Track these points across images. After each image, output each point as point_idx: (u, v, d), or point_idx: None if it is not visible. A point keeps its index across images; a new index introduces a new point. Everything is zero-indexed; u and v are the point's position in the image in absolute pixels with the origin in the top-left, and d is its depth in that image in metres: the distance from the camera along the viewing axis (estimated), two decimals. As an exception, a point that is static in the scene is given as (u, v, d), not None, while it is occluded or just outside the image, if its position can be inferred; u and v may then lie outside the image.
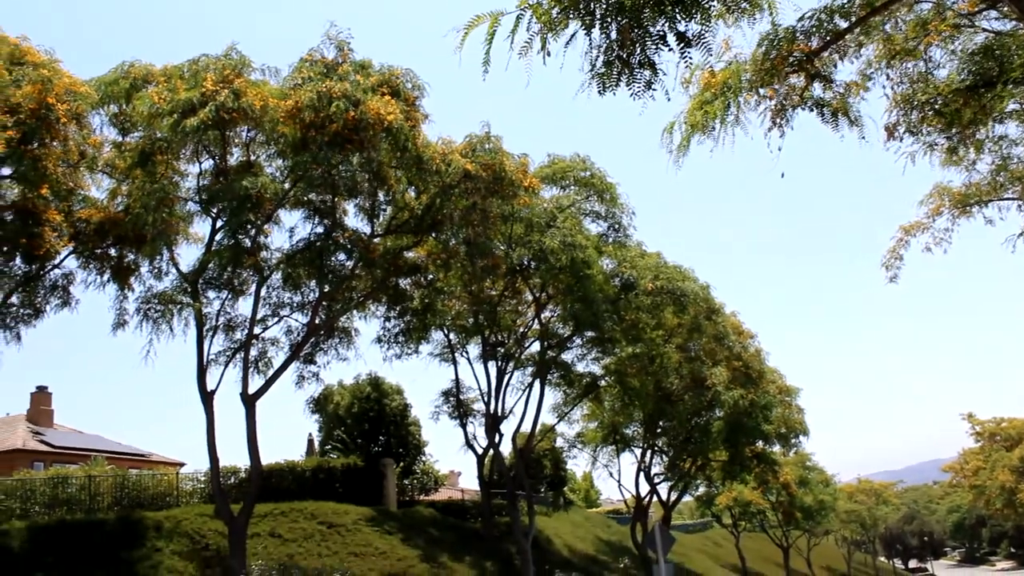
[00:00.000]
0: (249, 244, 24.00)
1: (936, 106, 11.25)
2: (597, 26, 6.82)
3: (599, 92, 7.18)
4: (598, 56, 7.06)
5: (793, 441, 49.57)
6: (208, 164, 24.57)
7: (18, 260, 24.35)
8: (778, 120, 10.75)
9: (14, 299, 25.09)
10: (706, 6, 6.70)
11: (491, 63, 6.66)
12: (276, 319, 26.69)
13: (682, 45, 6.83)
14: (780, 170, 11.10)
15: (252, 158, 24.48)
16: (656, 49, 6.91)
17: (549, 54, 6.83)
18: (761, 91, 10.23)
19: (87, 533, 25.53)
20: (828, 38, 9.90)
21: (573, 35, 6.94)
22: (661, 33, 6.84)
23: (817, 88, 10.75)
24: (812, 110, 10.68)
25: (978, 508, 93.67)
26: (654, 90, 7.14)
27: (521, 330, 35.41)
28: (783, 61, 9.70)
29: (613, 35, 6.87)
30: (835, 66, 10.62)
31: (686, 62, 7.01)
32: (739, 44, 10.22)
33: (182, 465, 47.43)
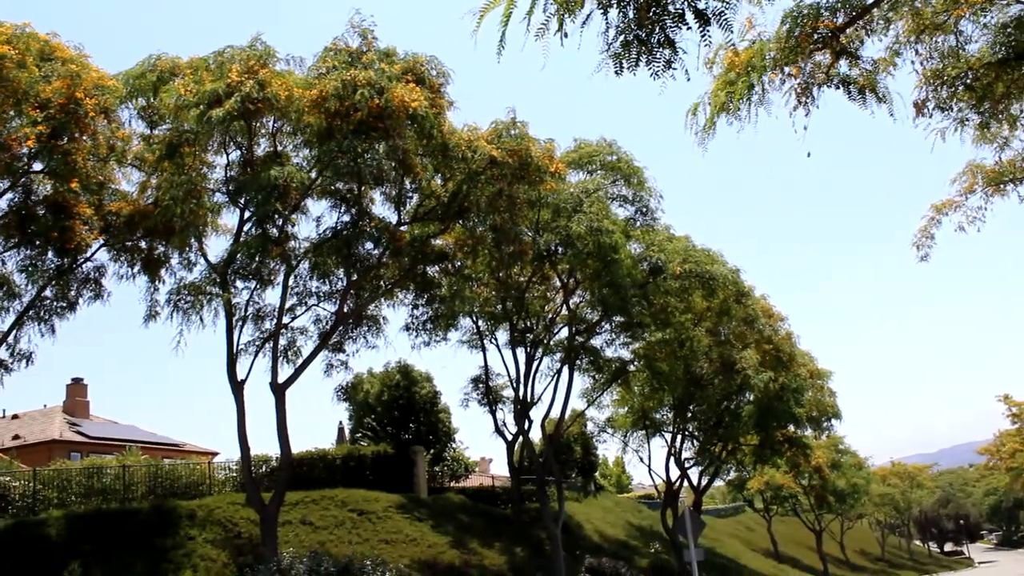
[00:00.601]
0: (276, 234, 24.11)
1: (967, 81, 11.01)
2: (615, 5, 6.72)
3: (616, 73, 7.09)
4: (616, 36, 6.97)
5: (825, 424, 49.26)
6: (235, 155, 24.72)
7: (50, 254, 24.69)
8: (803, 99, 10.58)
9: (48, 292, 25.43)
10: (726, -19, 6.59)
11: (506, 45, 6.60)
12: (304, 308, 26.82)
13: (701, 23, 6.71)
14: (807, 149, 10.95)
15: (279, 148, 24.57)
16: (675, 28, 6.79)
17: (566, 35, 6.74)
18: (786, 69, 10.06)
19: (122, 522, 25.89)
20: (854, 13, 9.71)
21: (589, 15, 6.83)
22: (680, 11, 6.72)
23: (843, 65, 10.56)
24: (839, 88, 10.48)
25: (1015, 491, 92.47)
26: (674, 69, 7.03)
27: (550, 316, 35.33)
28: (807, 38, 9.52)
29: (631, 14, 6.76)
30: (861, 42, 10.41)
31: (706, 41, 6.88)
32: (762, 22, 10.05)
33: (215, 454, 47.95)
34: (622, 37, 7.00)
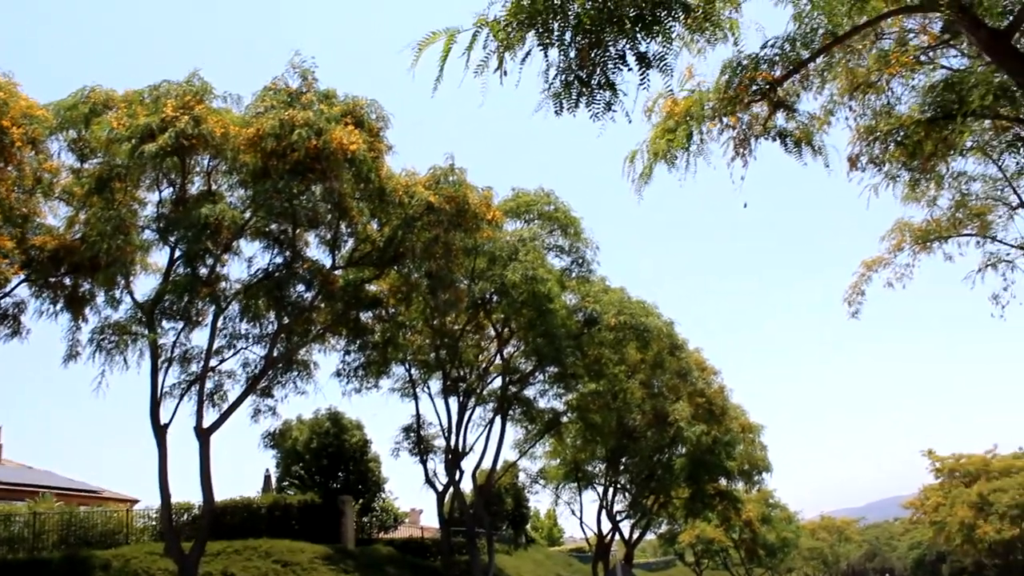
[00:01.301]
0: (207, 273, 23.56)
1: (898, 138, 11.29)
2: (555, 44, 6.69)
3: (556, 112, 7.04)
4: (556, 76, 6.93)
5: (756, 478, 49.65)
6: (168, 192, 24.16)
7: (-36, 288, 23.75)
8: (741, 150, 10.70)
9: (-40, 328, 24.45)
10: (667, 26, 6.59)
11: (443, 80, 6.52)
12: (233, 351, 26.14)
13: (642, 66, 6.70)
14: (744, 200, 11.04)
15: (213, 187, 24.10)
16: (616, 69, 6.78)
17: (506, 73, 6.68)
18: (724, 120, 10.16)
19: (31, 573, 24.66)
20: (791, 67, 9.87)
21: (529, 53, 6.79)
22: (621, 53, 6.71)
23: (780, 118, 10.73)
24: (775, 140, 10.64)
25: (938, 544, 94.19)
26: (614, 111, 7.01)
27: (483, 365, 35.07)
28: (745, 89, 9.64)
29: (571, 54, 6.73)
30: (798, 96, 10.61)
31: (645, 84, 6.88)
32: (702, 72, 10.20)
33: (135, 502, 46.19)
34: (562, 77, 6.96)
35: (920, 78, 12.72)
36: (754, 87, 9.80)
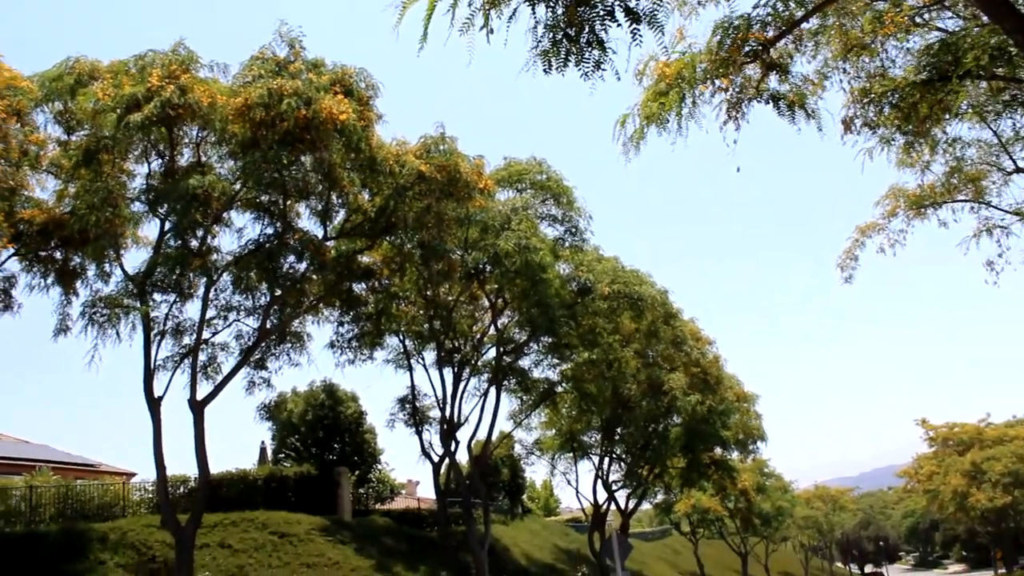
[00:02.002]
0: (197, 245, 23.39)
1: (893, 100, 11.11)
2: (543, 1, 6.51)
3: (544, 71, 6.87)
4: (544, 33, 6.75)
5: (751, 448, 49.78)
6: (157, 164, 23.93)
7: (-47, 263, 23.59)
8: (733, 113, 10.53)
9: (-50, 303, 24.30)
10: (657, -20, 6.42)
11: (429, 41, 6.34)
12: (226, 323, 26.03)
13: (632, 22, 6.52)
14: (736, 164, 10.90)
15: (203, 158, 23.85)
16: (605, 26, 6.60)
17: (492, 31, 6.49)
18: (716, 82, 9.98)
19: (28, 546, 24.67)
20: (784, 27, 9.68)
21: (516, 10, 6.61)
22: (610, 9, 6.53)
23: (773, 80, 10.55)
24: (768, 103, 10.47)
25: (931, 512, 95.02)
26: (603, 70, 6.84)
27: (478, 336, 35.01)
28: (738, 50, 9.45)
29: (560, 11, 6.55)
30: (791, 58, 10.42)
31: (637, 41, 6.68)
32: (693, 34, 10.00)
33: (133, 475, 46.28)
34: (551, 35, 6.78)
35: (915, 40, 12.55)
36: (746, 48, 9.61)
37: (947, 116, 12.02)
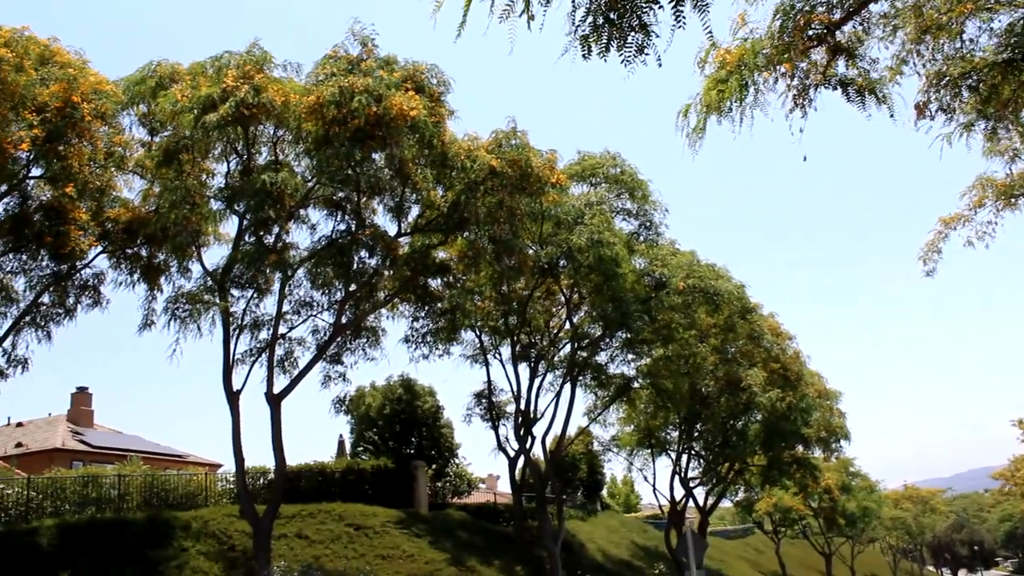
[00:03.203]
0: (272, 242, 23.86)
1: (970, 82, 10.56)
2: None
3: (584, 56, 6.70)
4: (584, 17, 6.58)
5: (834, 445, 48.44)
6: (236, 163, 24.51)
7: (46, 260, 24.51)
8: (800, 100, 10.17)
9: (45, 299, 25.27)
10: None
11: (467, 25, 6.25)
12: (302, 319, 26.52)
13: (676, 4, 6.30)
14: (803, 153, 10.55)
15: (280, 157, 24.32)
16: (648, 9, 6.41)
17: (532, 17, 6.36)
18: (780, 68, 9.65)
19: (116, 532, 25.52)
20: (851, 8, 9.30)
21: (556, -7, 6.45)
22: (653, -10, 6.33)
23: (841, 65, 10.15)
24: (836, 88, 10.07)
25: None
26: (647, 55, 6.64)
27: (554, 331, 34.91)
28: (801, 33, 9.12)
29: (600, -7, 6.39)
30: (860, 41, 9.99)
31: (681, 24, 6.44)
32: (755, 19, 9.66)
33: (219, 466, 47.56)
34: (591, 19, 6.61)
35: (1001, 20, 11.92)
36: (810, 31, 9.27)
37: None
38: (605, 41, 6.66)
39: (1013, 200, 19.92)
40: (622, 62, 6.67)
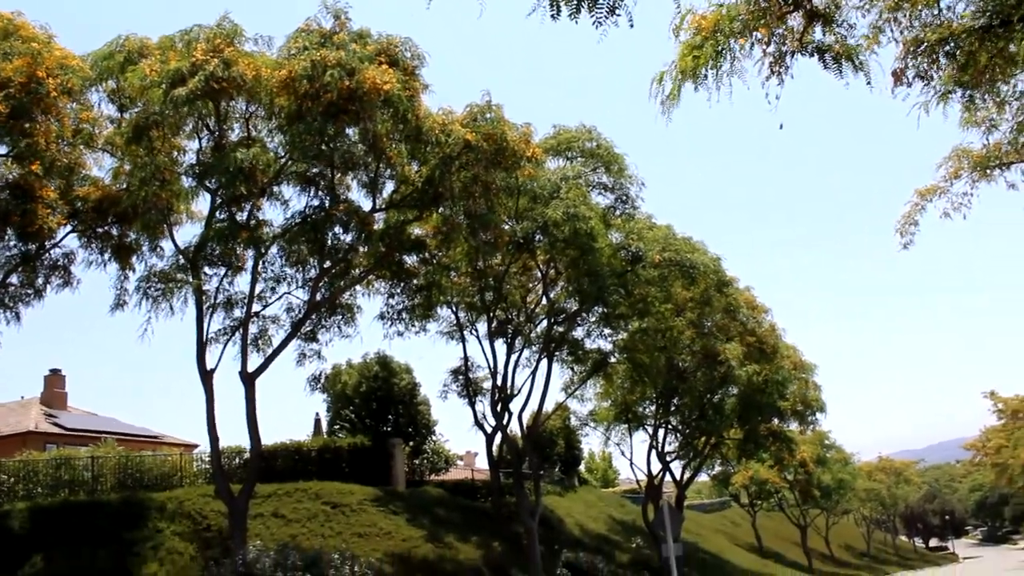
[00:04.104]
0: (245, 218, 23.56)
1: (947, 48, 10.48)
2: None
3: (552, 16, 6.54)
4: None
5: (810, 419, 48.84)
6: (207, 140, 24.09)
7: (13, 239, 24.03)
8: (776, 68, 10.07)
9: (13, 279, 24.83)
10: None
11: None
12: (276, 296, 26.22)
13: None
14: (780, 121, 10.47)
15: (252, 133, 23.94)
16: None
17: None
18: (756, 34, 9.53)
19: (90, 514, 25.33)
20: (828, -29, 9.20)
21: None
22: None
23: (818, 32, 10.06)
24: (813, 55, 9.98)
25: (1000, 487, 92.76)
26: (618, 16, 6.49)
27: (531, 307, 34.82)
28: (777, -2, 9.01)
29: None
30: (837, 6, 9.89)
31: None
32: (732, -17, 9.53)
33: (195, 447, 47.23)
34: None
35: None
36: (787, -6, 9.16)
37: (1011, 68, 11.32)
38: (576, 1, 6.49)
39: (988, 171, 19.98)
40: (594, 23, 6.51)
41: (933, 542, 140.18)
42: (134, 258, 25.87)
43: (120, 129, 23.81)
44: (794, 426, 49.21)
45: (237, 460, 31.89)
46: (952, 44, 10.48)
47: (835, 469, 68.67)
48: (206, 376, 24.13)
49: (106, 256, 25.73)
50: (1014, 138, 19.19)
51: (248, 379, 24.27)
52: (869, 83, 10.12)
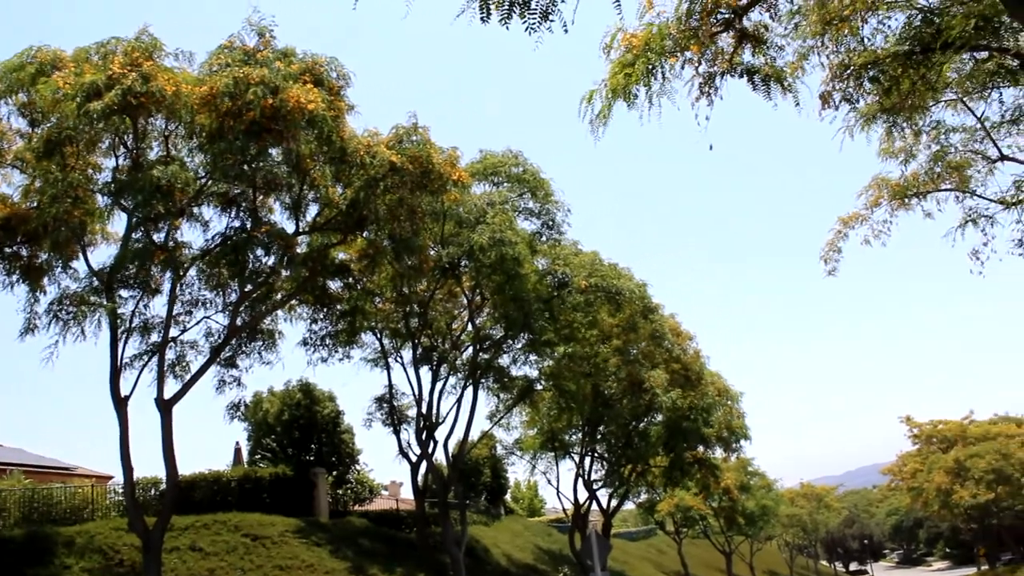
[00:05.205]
0: (163, 239, 22.78)
1: (873, 73, 10.61)
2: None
3: (482, 19, 6.31)
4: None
5: (734, 446, 49.26)
6: (124, 158, 23.27)
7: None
8: (706, 88, 10.04)
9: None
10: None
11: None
12: (194, 320, 25.38)
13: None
14: (709, 142, 10.42)
15: (172, 152, 23.21)
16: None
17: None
18: (687, 54, 9.48)
19: (-8, 550, 23.98)
20: (758, -9, 9.20)
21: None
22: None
23: (747, 54, 10.06)
24: (742, 76, 9.98)
25: (915, 510, 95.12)
26: (551, 22, 6.28)
27: (456, 334, 34.46)
28: (708, 17, 8.96)
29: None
30: (766, 28, 9.91)
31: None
32: (662, 2, 9.48)
33: (110, 478, 45.47)
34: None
35: (899, 19, 12.09)
36: (718, 14, 9.12)
37: (930, 92, 11.54)
38: (508, 5, 6.25)
39: (907, 200, 20.47)
40: (526, 29, 6.29)
41: (853, 566, 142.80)
42: (45, 280, 24.74)
43: (31, 144, 22.82)
44: (719, 453, 49.54)
45: (153, 491, 30.71)
46: (877, 69, 10.60)
47: (759, 496, 69.45)
48: (120, 403, 23.11)
49: (14, 278, 24.54)
50: (930, 168, 19.71)
51: (164, 406, 23.33)
52: (797, 104, 10.16)
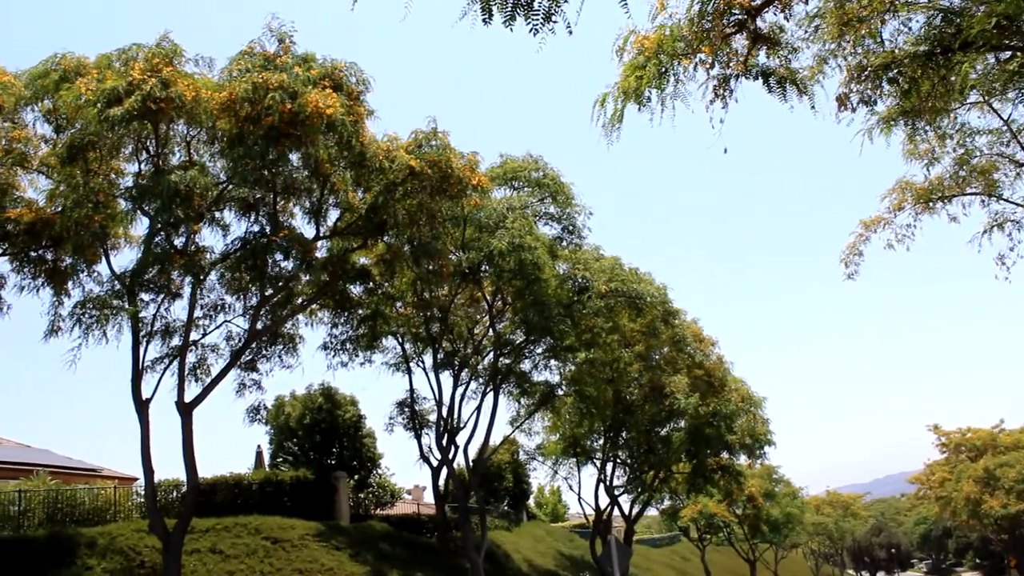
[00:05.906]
0: (183, 243, 22.90)
1: (891, 74, 10.42)
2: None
3: (484, 21, 6.24)
4: (485, -22, 6.13)
5: (758, 452, 48.88)
6: (146, 162, 23.47)
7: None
8: (720, 90, 9.91)
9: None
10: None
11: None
12: (215, 324, 25.51)
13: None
14: (723, 145, 10.30)
15: (194, 157, 23.37)
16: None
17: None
18: (699, 56, 9.36)
19: (14, 551, 24.13)
20: (771, -8, 9.06)
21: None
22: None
23: (762, 56, 9.92)
24: (757, 78, 9.84)
25: (944, 519, 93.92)
26: (555, 23, 6.21)
27: (478, 339, 34.42)
28: (720, 18, 8.84)
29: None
30: (781, 30, 9.77)
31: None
32: (674, 3, 9.36)
33: (134, 480, 45.82)
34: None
35: (919, 19, 11.90)
36: (731, 16, 9.00)
37: (952, 94, 11.31)
38: (511, 6, 6.19)
39: (931, 204, 20.17)
40: (530, 31, 6.22)
41: (880, 575, 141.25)
42: (70, 283, 24.97)
43: (55, 150, 23.09)
44: (743, 460, 49.19)
45: (174, 493, 30.89)
46: (895, 70, 10.42)
47: (783, 503, 68.90)
48: (141, 406, 23.27)
49: (39, 281, 24.78)
50: (955, 171, 19.42)
51: (185, 409, 23.46)
52: (813, 107, 10.04)
